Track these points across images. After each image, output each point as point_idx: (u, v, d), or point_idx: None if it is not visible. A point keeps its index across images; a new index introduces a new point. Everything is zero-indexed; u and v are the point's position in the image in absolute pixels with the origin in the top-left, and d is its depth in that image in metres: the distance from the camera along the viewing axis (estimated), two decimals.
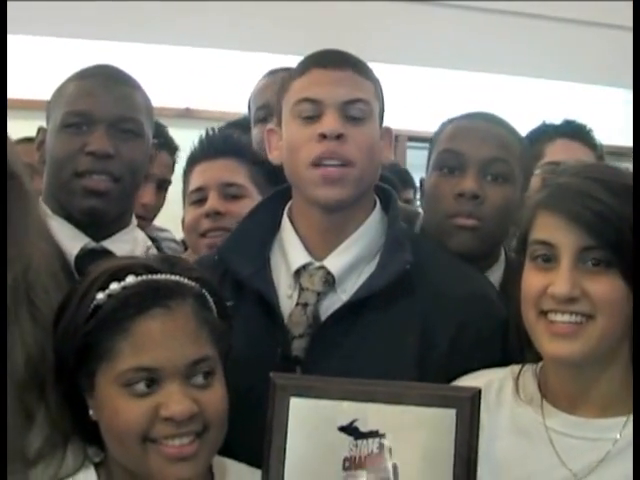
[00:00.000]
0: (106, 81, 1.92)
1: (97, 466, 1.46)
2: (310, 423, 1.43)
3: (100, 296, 1.39)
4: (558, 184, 1.53)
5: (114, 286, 1.39)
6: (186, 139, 2.85)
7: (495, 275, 1.97)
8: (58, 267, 1.57)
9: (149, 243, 2.04)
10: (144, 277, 1.39)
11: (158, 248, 2.15)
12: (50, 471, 1.45)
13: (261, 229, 1.83)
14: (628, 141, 4.15)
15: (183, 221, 2.31)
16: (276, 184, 1.97)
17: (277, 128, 1.81)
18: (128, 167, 1.91)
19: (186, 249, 2.49)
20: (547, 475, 1.52)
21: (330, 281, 1.74)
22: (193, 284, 1.43)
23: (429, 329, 1.71)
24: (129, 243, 1.97)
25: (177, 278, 1.42)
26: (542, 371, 1.60)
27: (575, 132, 2.46)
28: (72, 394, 1.43)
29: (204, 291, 1.46)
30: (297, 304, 1.74)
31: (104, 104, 1.89)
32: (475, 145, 1.93)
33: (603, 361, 1.52)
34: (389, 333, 1.71)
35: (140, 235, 2.05)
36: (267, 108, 2.44)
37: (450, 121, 2.02)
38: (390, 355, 1.69)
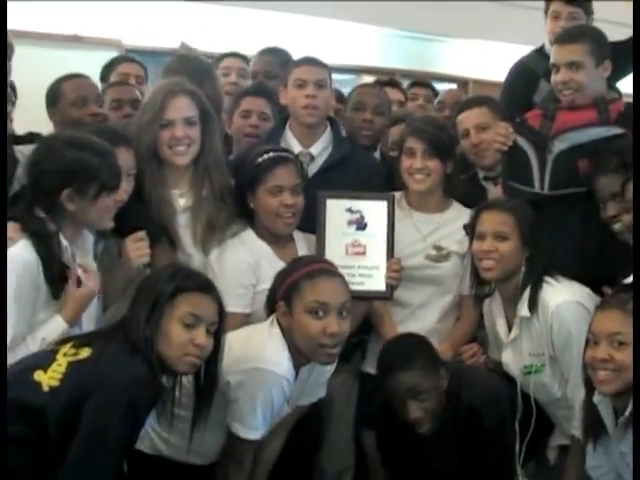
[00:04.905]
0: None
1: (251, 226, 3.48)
2: (334, 210, 3.50)
3: (259, 160, 3.41)
4: (413, 126, 3.73)
5: (265, 156, 3.41)
6: (75, 63, 4.33)
7: (376, 155, 4.22)
8: None
9: None
10: (278, 153, 3.44)
11: None
12: (230, 232, 3.44)
13: (276, 133, 3.90)
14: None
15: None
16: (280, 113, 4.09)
17: (284, 89, 3.88)
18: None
19: None
20: (411, 236, 3.68)
21: (312, 158, 3.84)
22: (293, 156, 3.52)
23: (356, 175, 3.79)
24: None
25: (289, 154, 3.49)
26: (407, 194, 3.76)
27: (392, 83, 4.76)
28: (241, 198, 3.46)
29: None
30: None
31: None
32: (370, 98, 4.18)
33: (433, 188, 3.70)
34: (337, 179, 3.74)
35: None
36: (268, 73, 4.64)
37: (357, 87, 4.32)
38: (337, 187, 3.70)
